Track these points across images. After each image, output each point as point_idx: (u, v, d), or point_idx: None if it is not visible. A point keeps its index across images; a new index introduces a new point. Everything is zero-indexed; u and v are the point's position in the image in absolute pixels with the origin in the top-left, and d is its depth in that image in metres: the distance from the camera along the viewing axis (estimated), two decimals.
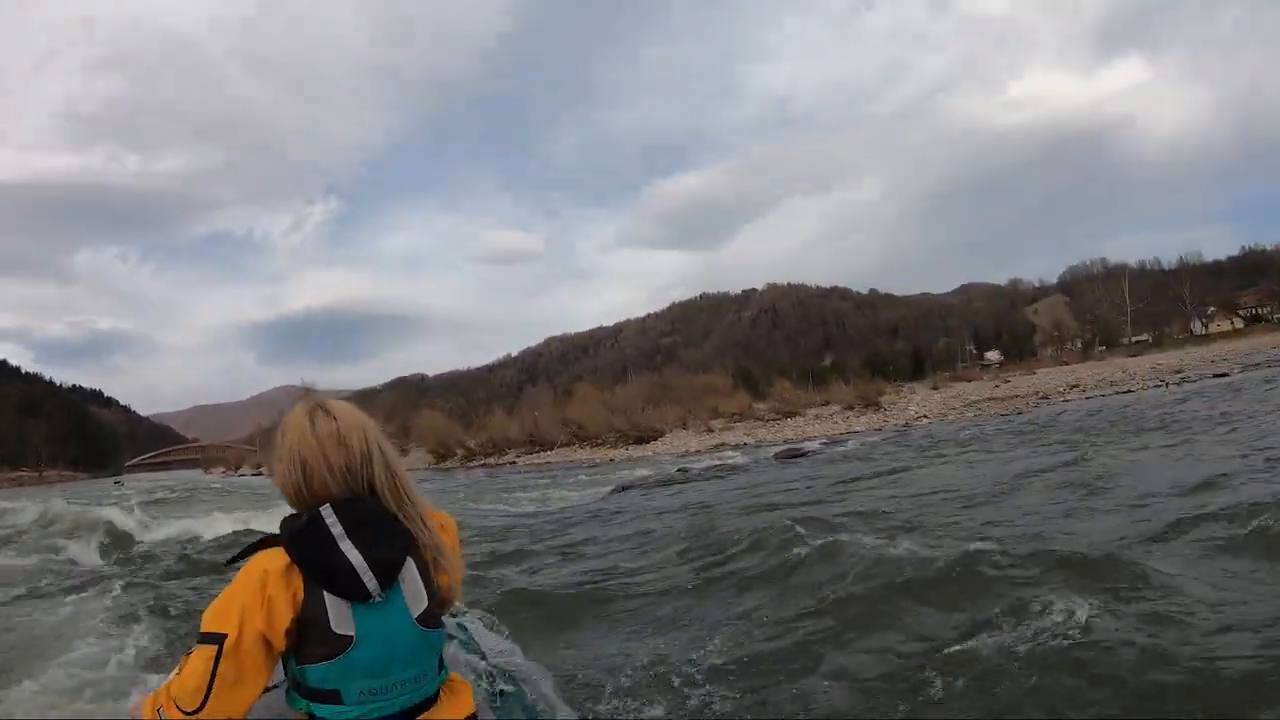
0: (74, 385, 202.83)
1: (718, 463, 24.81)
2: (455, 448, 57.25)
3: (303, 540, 1.55)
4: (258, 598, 1.49)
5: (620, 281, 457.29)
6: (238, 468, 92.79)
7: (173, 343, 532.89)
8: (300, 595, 1.52)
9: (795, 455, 23.85)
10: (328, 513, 1.57)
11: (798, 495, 12.20)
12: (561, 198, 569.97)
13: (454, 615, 2.67)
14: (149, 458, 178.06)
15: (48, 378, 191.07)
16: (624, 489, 18.52)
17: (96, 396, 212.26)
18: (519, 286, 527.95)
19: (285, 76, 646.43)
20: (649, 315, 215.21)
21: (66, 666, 5.16)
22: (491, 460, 51.83)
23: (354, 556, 1.53)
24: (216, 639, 1.47)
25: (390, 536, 1.59)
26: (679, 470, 22.45)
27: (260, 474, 71.57)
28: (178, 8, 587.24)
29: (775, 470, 19.43)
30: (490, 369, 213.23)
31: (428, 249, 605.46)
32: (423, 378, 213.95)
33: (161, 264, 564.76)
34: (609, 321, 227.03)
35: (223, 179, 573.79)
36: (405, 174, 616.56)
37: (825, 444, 29.18)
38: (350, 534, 1.55)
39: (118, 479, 77.39)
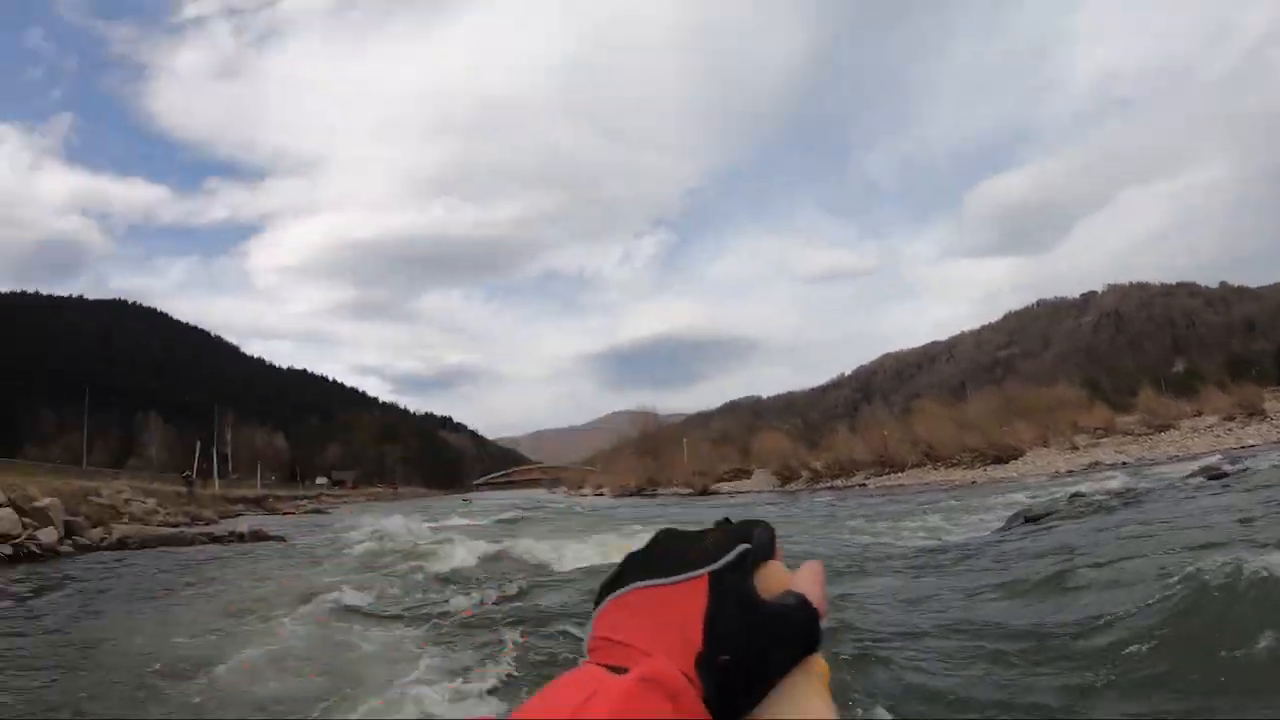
0: (426, 413, 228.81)
1: (1108, 486, 20.04)
2: (800, 469, 54.33)
3: None
4: None
5: (949, 293, 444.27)
6: (579, 487, 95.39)
7: (515, 373, 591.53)
8: None
9: (1216, 476, 19.03)
10: None
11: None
12: (883, 212, 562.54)
13: None
14: (494, 477, 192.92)
15: (403, 406, 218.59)
16: (1028, 519, 14.72)
17: (446, 423, 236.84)
18: (848, 305, 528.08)
19: (605, 121, 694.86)
20: (983, 327, 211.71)
21: None
22: (839, 482, 48.42)
23: None
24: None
25: None
26: (1074, 495, 17.46)
27: (601, 494, 72.92)
28: (498, 73, 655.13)
29: (1207, 497, 14.64)
30: (824, 389, 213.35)
31: (755, 273, 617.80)
32: (757, 400, 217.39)
33: (503, 302, 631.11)
34: (942, 336, 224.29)
35: (554, 221, 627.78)
36: (729, 202, 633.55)
37: (1228, 461, 22.79)
38: None
39: (466, 497, 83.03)
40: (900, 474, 46.37)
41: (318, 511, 48.35)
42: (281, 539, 21.53)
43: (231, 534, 22.23)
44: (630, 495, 62.86)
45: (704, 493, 53.84)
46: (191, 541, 20.36)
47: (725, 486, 54.91)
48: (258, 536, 21.98)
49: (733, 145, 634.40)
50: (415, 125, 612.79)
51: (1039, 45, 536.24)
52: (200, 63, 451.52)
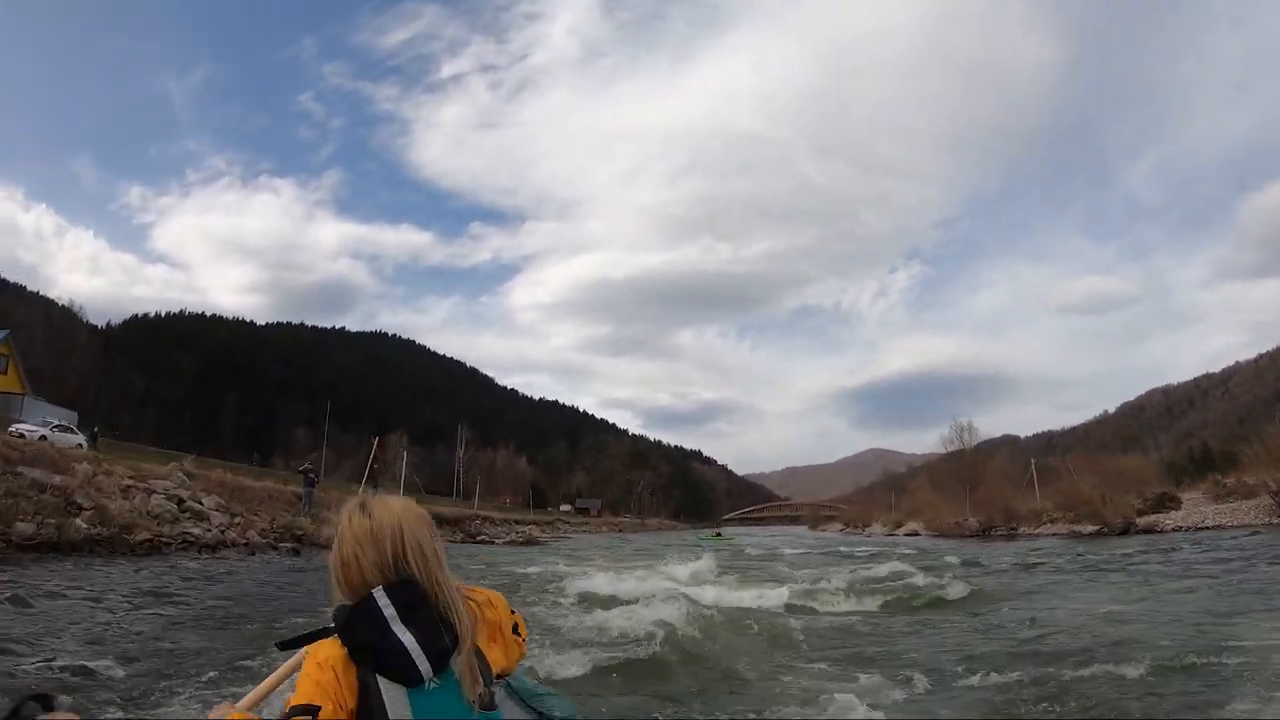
0: (677, 445, 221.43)
1: None
2: None
3: (356, 624, 1.55)
4: (328, 684, 1.50)
5: (1222, 320, 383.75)
6: (863, 524, 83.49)
7: (769, 409, 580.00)
8: (357, 684, 1.53)
9: None
10: (380, 594, 1.58)
11: None
12: (1145, 231, 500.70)
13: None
14: (744, 512, 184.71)
15: (653, 439, 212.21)
16: None
17: (697, 455, 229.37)
18: (1109, 336, 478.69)
19: (853, 152, 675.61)
20: (1260, 356, 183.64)
21: None
22: None
23: (407, 639, 1.54)
24: (311, 710, 1.45)
25: (440, 621, 1.60)
26: None
27: (915, 534, 59.55)
28: (741, 109, 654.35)
29: None
30: (1086, 428, 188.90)
31: (1012, 304, 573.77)
32: (1014, 439, 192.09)
33: (758, 338, 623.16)
34: (1215, 368, 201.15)
35: (807, 256, 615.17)
36: (982, 230, 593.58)
37: None
38: (403, 617, 1.56)
39: (718, 532, 73.73)
40: None
41: (530, 543, 36.49)
42: None
43: None
44: (969, 537, 48.28)
45: (1125, 531, 36.74)
46: None
47: (1159, 520, 37.63)
48: None
49: (983, 169, 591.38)
50: (666, 166, 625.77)
51: None
52: (461, 116, 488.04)
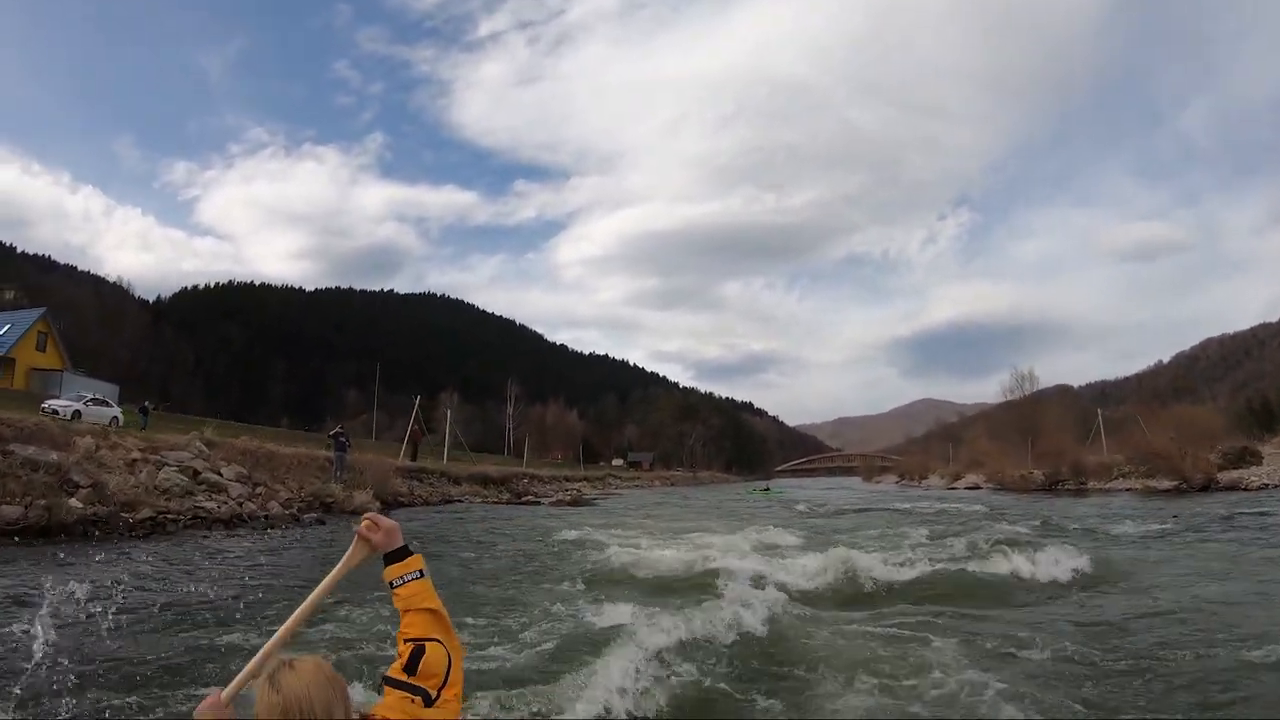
0: (727, 397, 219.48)
1: None
2: None
3: None
4: None
5: (1277, 267, 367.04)
6: (920, 476, 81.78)
7: (818, 359, 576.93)
8: None
9: None
10: None
11: None
12: (1200, 178, 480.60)
13: None
14: (797, 464, 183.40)
15: (703, 390, 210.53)
16: None
17: (748, 407, 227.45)
18: (1163, 283, 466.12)
19: (897, 97, 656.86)
20: None
21: None
22: None
23: None
24: None
25: None
26: None
27: (977, 487, 56.97)
28: (785, 55, 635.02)
29: None
30: (1140, 377, 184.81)
31: (1063, 251, 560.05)
32: (1067, 389, 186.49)
33: (806, 289, 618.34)
34: (1273, 316, 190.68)
35: (853, 204, 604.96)
36: (1031, 175, 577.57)
37: None
38: None
39: (765, 485, 70.94)
40: None
41: (577, 503, 34.95)
42: None
43: None
44: (1033, 491, 45.39)
45: (1206, 488, 33.93)
46: None
47: (1243, 476, 34.65)
48: None
49: (1032, 112, 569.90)
50: (710, 115, 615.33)
51: None
52: (500, 74, 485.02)
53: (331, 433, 26.32)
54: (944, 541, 14.09)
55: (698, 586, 9.64)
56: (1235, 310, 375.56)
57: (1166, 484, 35.80)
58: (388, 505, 24.74)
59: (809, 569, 10.72)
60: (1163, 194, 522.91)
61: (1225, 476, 34.51)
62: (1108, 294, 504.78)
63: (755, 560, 11.86)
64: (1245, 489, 31.51)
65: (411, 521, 21.38)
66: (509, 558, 13.37)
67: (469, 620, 7.65)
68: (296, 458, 24.78)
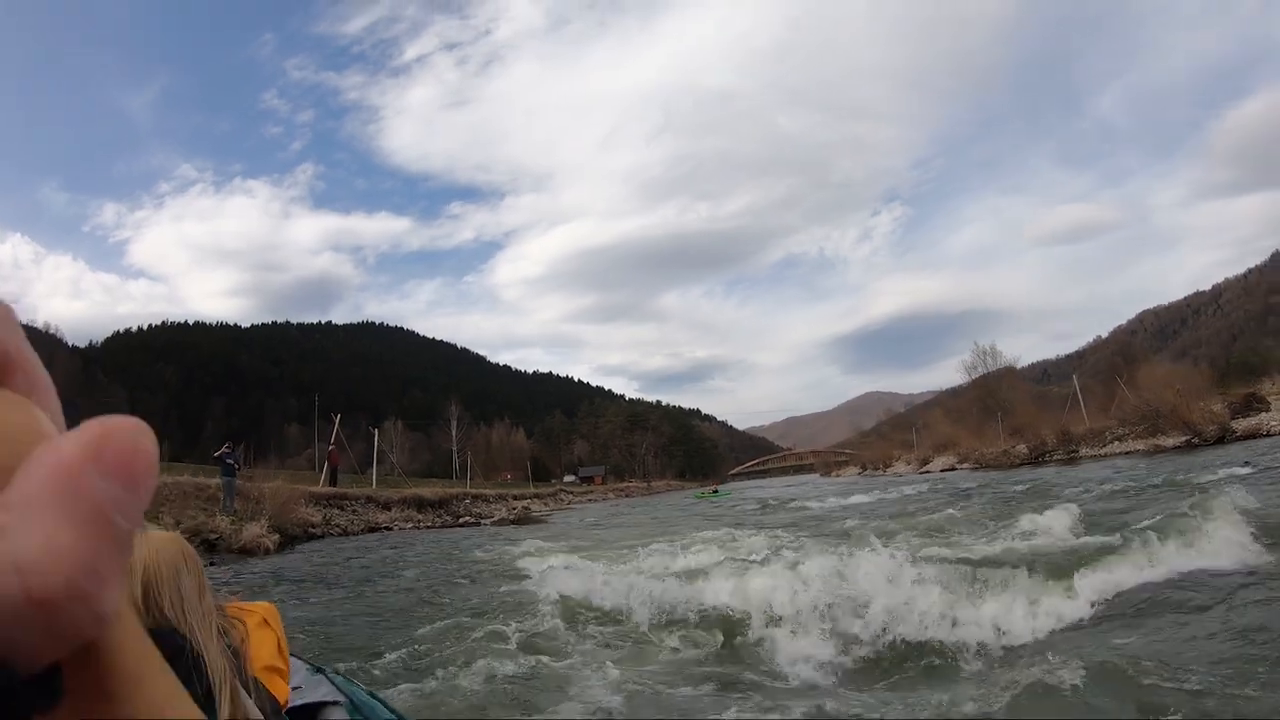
0: (675, 405, 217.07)
1: None
2: None
3: None
4: None
5: (1206, 238, 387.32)
6: (885, 465, 78.15)
7: (763, 362, 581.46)
8: None
9: None
10: None
11: None
12: (1121, 157, 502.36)
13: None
14: (749, 466, 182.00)
15: (651, 399, 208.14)
16: None
17: (696, 414, 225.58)
18: (1095, 263, 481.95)
19: (823, 99, 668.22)
20: (1250, 271, 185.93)
21: None
22: None
23: None
24: None
25: (193, 672, 1.39)
26: None
27: (952, 469, 53.47)
28: (710, 65, 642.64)
29: None
30: (1081, 355, 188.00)
31: (995, 238, 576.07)
32: (1010, 371, 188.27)
33: (745, 293, 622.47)
34: (1204, 285, 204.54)
35: (786, 207, 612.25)
36: (958, 167, 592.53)
37: None
38: None
39: (715, 487, 71.15)
40: None
41: (522, 521, 31.37)
42: None
43: None
44: (1019, 465, 42.95)
45: (1222, 439, 31.32)
46: None
47: (1264, 422, 31.74)
48: None
49: (955, 106, 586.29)
50: (640, 128, 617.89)
51: None
52: (430, 97, 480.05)
53: (216, 454, 21.73)
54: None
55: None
56: (1167, 283, 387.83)
57: (1175, 440, 33.65)
58: (292, 539, 20.88)
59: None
60: (1088, 176, 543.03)
61: (1240, 425, 32.16)
62: (1043, 276, 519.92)
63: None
64: (1269, 434, 29.12)
65: (315, 555, 17.72)
66: (411, 589, 9.94)
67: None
68: (178, 487, 20.78)
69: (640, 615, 6.95)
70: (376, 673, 5.59)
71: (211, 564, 15.77)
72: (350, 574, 12.80)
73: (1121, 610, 6.11)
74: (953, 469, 52.82)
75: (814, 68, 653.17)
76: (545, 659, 5.81)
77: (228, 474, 20.68)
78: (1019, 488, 20.29)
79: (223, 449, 21.12)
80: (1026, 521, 10.29)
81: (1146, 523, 8.48)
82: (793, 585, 6.86)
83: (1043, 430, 48.22)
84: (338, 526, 25.56)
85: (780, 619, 6.44)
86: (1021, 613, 6.09)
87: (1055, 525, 9.71)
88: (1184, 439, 33.24)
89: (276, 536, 19.58)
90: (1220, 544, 7.32)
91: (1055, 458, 42.48)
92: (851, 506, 22.25)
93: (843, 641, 5.94)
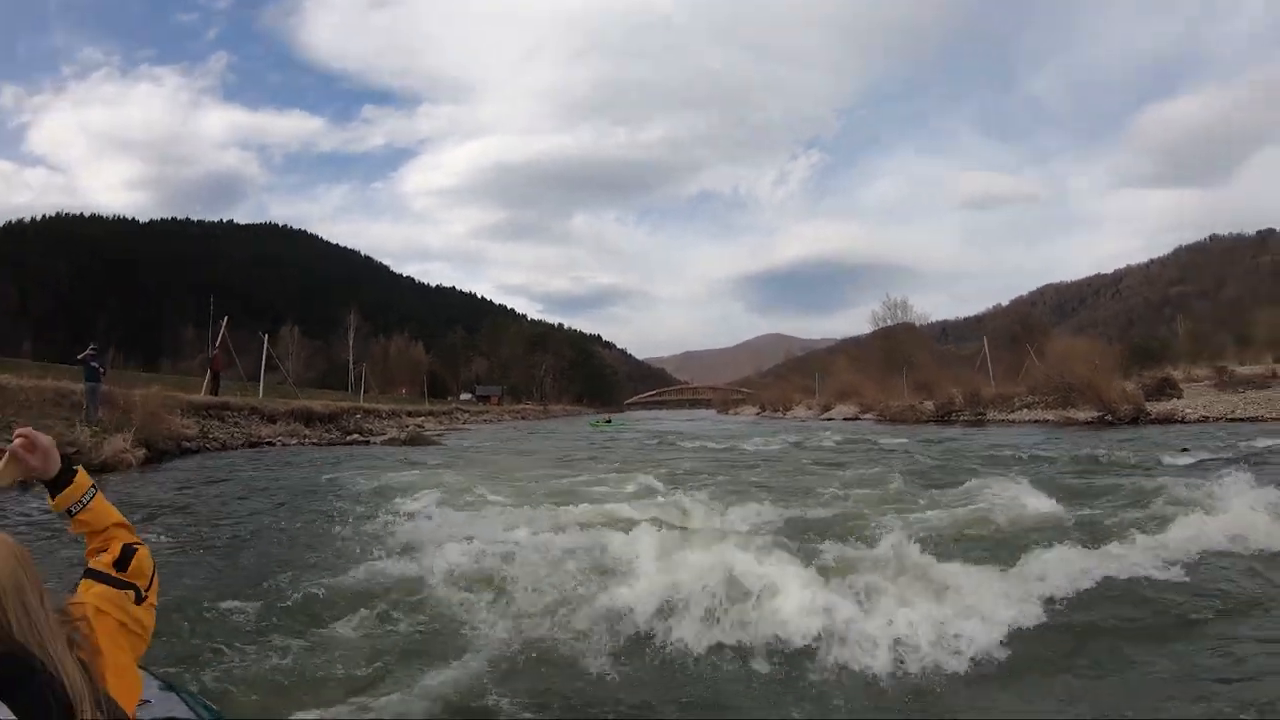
0: (575, 330, 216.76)
1: None
2: None
3: None
4: None
5: (1116, 225, 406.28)
6: (784, 408, 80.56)
7: (666, 294, 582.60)
8: None
9: None
10: None
11: None
12: (1046, 137, 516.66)
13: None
14: (647, 396, 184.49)
15: (553, 321, 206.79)
16: None
17: (596, 340, 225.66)
18: (1007, 233, 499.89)
19: (754, 38, 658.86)
20: (1152, 261, 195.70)
21: None
22: None
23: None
24: None
25: (48, 691, 1.29)
26: None
27: (856, 419, 55.11)
28: None
29: None
30: (979, 319, 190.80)
31: (911, 197, 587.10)
32: (909, 327, 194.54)
33: (655, 224, 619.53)
34: (1107, 269, 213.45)
35: (705, 142, 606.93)
36: (883, 122, 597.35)
37: None
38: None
39: (607, 416, 70.18)
40: None
41: (415, 441, 30.64)
42: None
43: None
44: (923, 423, 43.21)
45: (1136, 420, 31.57)
46: None
47: (1178, 408, 32.45)
48: None
49: (886, 62, 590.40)
50: (564, 48, 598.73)
51: None
52: None
53: (79, 355, 19.95)
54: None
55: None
56: (1072, 262, 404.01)
57: (1086, 414, 34.00)
58: (161, 453, 19.76)
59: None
60: (1010, 150, 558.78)
61: (1155, 408, 32.78)
62: (952, 239, 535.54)
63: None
64: (1183, 421, 29.77)
65: (180, 473, 16.80)
66: (262, 533, 9.38)
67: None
68: (36, 391, 19.37)
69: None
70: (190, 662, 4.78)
71: (27, 487, 14.80)
72: (204, 504, 12.05)
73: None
74: (855, 419, 53.79)
75: (745, 5, 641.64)
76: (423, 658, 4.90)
77: (91, 379, 19.29)
78: (938, 450, 20.46)
79: (86, 351, 19.61)
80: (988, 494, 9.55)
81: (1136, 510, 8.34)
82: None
83: (951, 389, 48.64)
84: (216, 440, 24.40)
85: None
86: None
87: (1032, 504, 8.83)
88: (1096, 414, 33.28)
89: (143, 451, 18.50)
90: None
91: (962, 418, 43.00)
92: (766, 456, 20.48)
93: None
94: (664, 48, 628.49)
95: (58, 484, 1.76)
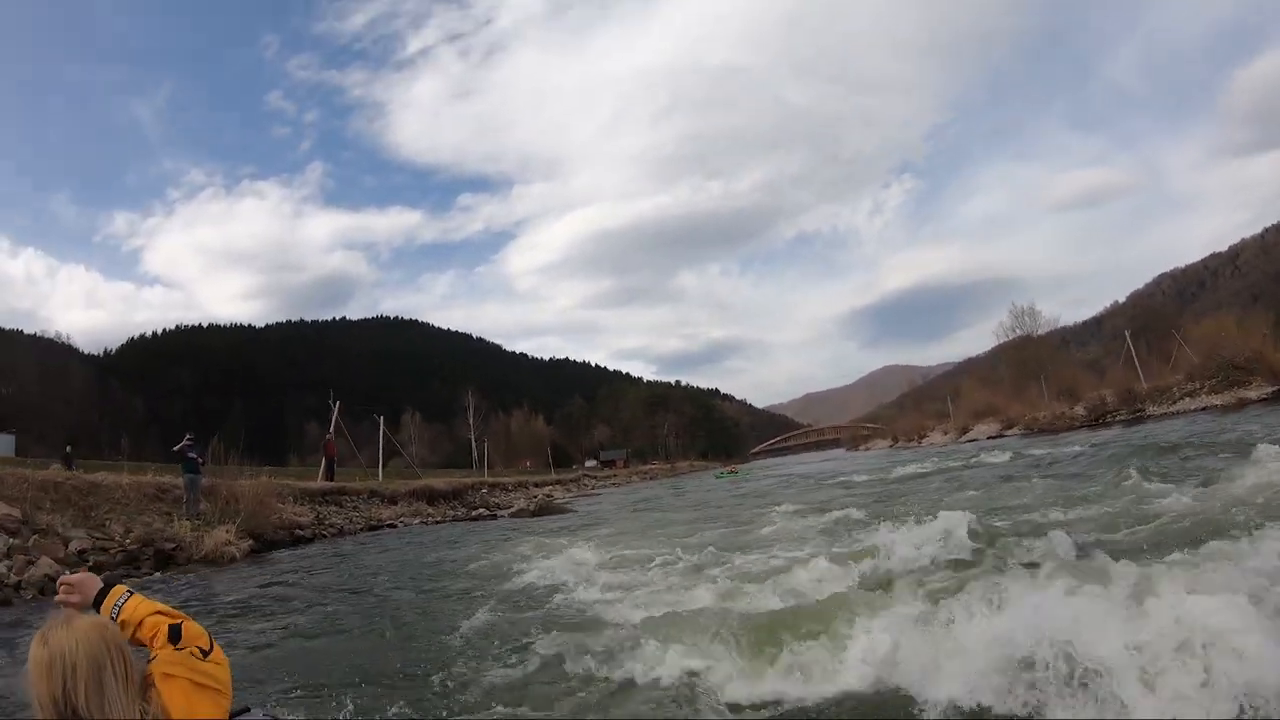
0: (693, 386, 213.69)
1: None
2: None
3: None
4: None
5: (1221, 199, 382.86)
6: (919, 436, 74.20)
7: (780, 340, 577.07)
8: None
9: None
10: None
11: None
12: (1133, 120, 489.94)
13: None
14: (772, 444, 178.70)
15: (670, 380, 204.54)
16: None
17: (715, 394, 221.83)
18: (1110, 227, 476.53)
19: (831, 72, 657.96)
20: (1267, 231, 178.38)
21: None
22: None
23: None
24: None
25: None
26: None
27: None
28: (716, 41, 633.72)
29: None
30: (1099, 320, 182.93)
31: (1008, 207, 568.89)
32: (1027, 339, 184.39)
33: (760, 272, 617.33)
34: (1221, 247, 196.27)
35: (798, 183, 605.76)
36: (970, 136, 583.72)
37: None
38: None
39: (731, 468, 70.07)
40: None
41: (544, 511, 27.91)
42: None
43: None
44: (1077, 429, 39.66)
45: None
46: None
47: None
48: None
49: (964, 74, 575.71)
50: (648, 108, 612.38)
51: None
52: (434, 89, 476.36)
53: (176, 447, 18.07)
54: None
55: None
56: (1184, 245, 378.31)
57: (1259, 392, 30.79)
58: (271, 543, 17.65)
59: None
60: (1101, 141, 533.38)
61: None
62: (1057, 243, 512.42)
63: None
64: None
65: (288, 563, 14.47)
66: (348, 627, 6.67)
67: None
68: (134, 488, 17.60)
69: None
70: None
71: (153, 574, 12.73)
72: (301, 592, 9.51)
73: None
74: (999, 435, 49.48)
75: (822, 39, 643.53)
76: None
77: (190, 470, 17.42)
78: (1147, 444, 16.68)
79: (183, 442, 17.76)
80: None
81: None
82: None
83: (1100, 391, 44.86)
84: (333, 526, 22.41)
85: None
86: None
87: None
88: (1272, 389, 30.31)
89: (248, 543, 16.43)
90: None
91: (1119, 418, 39.43)
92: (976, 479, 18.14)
93: None
94: (744, 92, 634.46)
95: (96, 604, 1.88)
